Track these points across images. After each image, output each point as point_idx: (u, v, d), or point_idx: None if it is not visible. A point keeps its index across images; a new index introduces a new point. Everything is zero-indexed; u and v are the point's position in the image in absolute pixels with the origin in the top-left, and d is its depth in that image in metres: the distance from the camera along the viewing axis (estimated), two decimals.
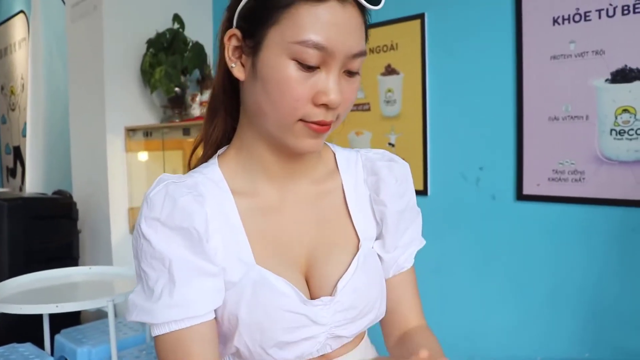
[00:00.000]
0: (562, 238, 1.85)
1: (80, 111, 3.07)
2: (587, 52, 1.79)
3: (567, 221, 1.84)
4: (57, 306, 1.71)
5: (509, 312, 1.98)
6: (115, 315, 1.84)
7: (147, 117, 2.97)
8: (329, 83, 0.70)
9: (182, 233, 0.71)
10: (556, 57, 1.85)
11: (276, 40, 0.69)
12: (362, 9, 0.73)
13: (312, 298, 0.78)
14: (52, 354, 2.14)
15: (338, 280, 0.78)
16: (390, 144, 2.30)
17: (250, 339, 0.73)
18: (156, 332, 0.71)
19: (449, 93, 2.12)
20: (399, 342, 0.89)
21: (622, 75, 1.73)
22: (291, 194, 0.82)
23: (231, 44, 0.75)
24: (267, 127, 0.75)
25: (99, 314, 2.69)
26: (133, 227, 2.91)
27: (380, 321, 0.89)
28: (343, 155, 0.89)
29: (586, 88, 1.79)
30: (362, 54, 0.73)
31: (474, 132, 2.06)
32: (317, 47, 0.68)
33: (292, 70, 0.69)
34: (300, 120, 0.71)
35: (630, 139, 1.72)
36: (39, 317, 2.18)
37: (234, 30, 0.74)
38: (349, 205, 0.85)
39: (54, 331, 2.21)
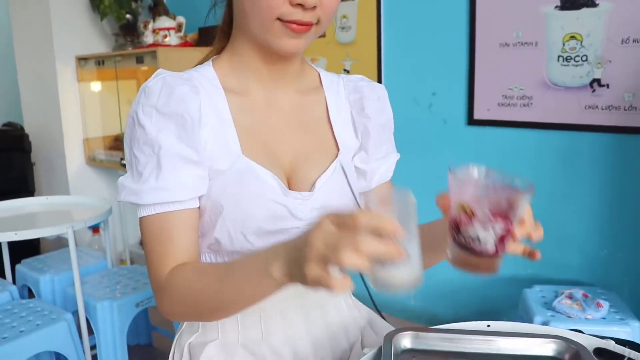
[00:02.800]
0: (511, 161, 1.95)
1: (25, 40, 2.96)
2: None
3: (516, 145, 1.93)
4: (16, 234, 1.71)
5: None
6: (76, 244, 1.86)
7: (98, 45, 2.89)
8: None
9: (175, 119, 0.76)
10: None
11: None
12: None
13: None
14: (14, 283, 2.15)
15: (317, 179, 0.85)
16: (345, 70, 2.31)
17: (233, 224, 0.78)
18: (142, 213, 0.77)
19: (403, 20, 2.13)
20: None
21: (571, 2, 1.77)
22: (278, 99, 0.88)
23: None
24: (251, 29, 0.79)
25: (58, 245, 2.70)
26: (89, 158, 2.89)
27: None
28: (326, 75, 0.96)
29: (536, 14, 1.83)
30: None
31: (428, 58, 2.09)
32: None
33: None
34: (278, 19, 0.75)
35: (576, 65, 1.79)
36: None
37: None
38: (330, 118, 0.92)
39: (14, 262, 2.21)
